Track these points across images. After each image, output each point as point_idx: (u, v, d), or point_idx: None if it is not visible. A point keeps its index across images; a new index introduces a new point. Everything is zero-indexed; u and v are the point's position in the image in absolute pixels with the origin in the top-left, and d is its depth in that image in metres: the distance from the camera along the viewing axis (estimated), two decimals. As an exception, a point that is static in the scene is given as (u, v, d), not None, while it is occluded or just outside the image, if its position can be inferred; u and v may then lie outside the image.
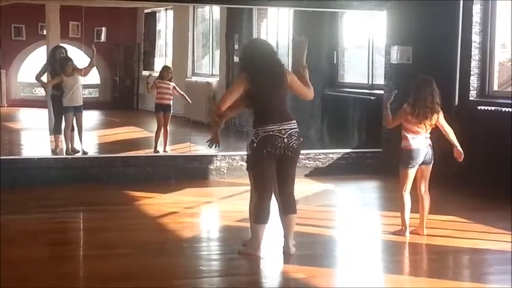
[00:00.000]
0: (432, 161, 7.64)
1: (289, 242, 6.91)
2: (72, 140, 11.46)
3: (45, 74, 11.93)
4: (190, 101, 12.24)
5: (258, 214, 6.79)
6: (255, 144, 6.68)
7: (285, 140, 6.67)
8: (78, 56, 12.18)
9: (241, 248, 7.04)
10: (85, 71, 11.67)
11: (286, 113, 6.78)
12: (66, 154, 11.28)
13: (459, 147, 7.60)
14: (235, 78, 6.84)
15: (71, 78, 11.32)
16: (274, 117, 6.68)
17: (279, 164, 6.76)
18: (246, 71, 6.72)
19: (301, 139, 6.79)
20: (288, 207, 6.88)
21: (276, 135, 6.65)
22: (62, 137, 11.52)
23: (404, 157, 7.59)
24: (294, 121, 6.78)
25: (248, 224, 7.13)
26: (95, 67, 13.14)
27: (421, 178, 7.67)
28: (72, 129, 11.48)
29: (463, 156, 7.59)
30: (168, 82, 12.07)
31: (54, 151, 11.51)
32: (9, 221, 8.31)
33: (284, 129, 6.68)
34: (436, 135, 7.72)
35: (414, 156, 7.53)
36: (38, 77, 11.92)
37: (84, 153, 11.36)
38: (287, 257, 6.85)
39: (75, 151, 11.39)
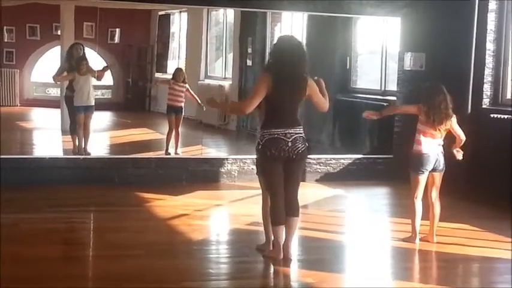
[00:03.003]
0: (444, 169, 7.63)
1: (289, 245, 6.89)
2: (86, 140, 11.49)
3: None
4: (202, 105, 12.21)
5: (274, 215, 6.81)
6: (260, 146, 6.77)
7: (289, 144, 6.72)
8: (93, 57, 12.21)
9: (264, 252, 7.03)
10: (99, 74, 11.70)
11: (295, 118, 6.84)
12: (78, 154, 11.30)
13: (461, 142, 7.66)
14: (259, 78, 6.85)
15: (82, 78, 11.36)
16: (282, 122, 6.74)
17: (285, 167, 6.79)
18: (271, 74, 6.72)
19: (307, 144, 6.85)
20: (290, 209, 6.87)
21: (280, 139, 6.70)
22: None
23: (414, 162, 7.58)
24: (301, 127, 6.84)
25: (258, 228, 7.14)
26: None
27: (432, 185, 7.65)
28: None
29: (460, 154, 7.64)
30: (181, 84, 12.10)
31: (73, 151, 11.50)
32: (19, 219, 8.34)
33: (289, 133, 6.73)
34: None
35: (424, 162, 7.52)
36: (54, 76, 11.94)
37: (87, 154, 11.33)
38: (285, 260, 6.81)
39: (86, 152, 11.41)
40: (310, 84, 6.83)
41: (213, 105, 7.48)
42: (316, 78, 7.04)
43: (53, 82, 12.46)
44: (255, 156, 7.15)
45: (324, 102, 6.97)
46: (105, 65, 11.92)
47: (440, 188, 7.71)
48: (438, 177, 7.64)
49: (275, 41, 7.20)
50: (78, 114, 11.46)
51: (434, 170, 7.58)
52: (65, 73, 11.80)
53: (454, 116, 7.58)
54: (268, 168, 6.80)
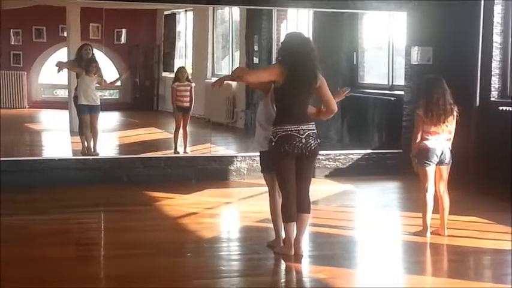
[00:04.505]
0: (450, 162, 7.61)
1: (300, 241, 6.89)
2: (95, 140, 11.50)
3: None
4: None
5: (286, 212, 6.82)
6: (273, 143, 6.73)
7: (303, 140, 6.71)
8: (100, 58, 12.22)
9: (275, 248, 7.04)
10: (106, 85, 11.76)
11: (306, 114, 6.82)
12: (87, 155, 11.31)
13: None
14: (272, 65, 6.90)
15: (88, 78, 11.37)
16: (294, 118, 6.73)
17: (297, 163, 6.79)
18: (285, 67, 6.72)
19: (319, 140, 6.82)
20: (302, 206, 6.87)
21: (294, 135, 6.69)
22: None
23: (421, 155, 7.57)
24: (313, 123, 6.83)
25: (268, 224, 7.14)
26: (115, 68, 13.22)
27: (440, 179, 7.64)
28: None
29: None
30: (186, 83, 12.08)
31: (82, 152, 11.49)
32: (30, 221, 8.37)
33: (302, 129, 6.72)
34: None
35: (430, 154, 7.51)
36: (59, 63, 11.94)
37: (96, 154, 11.33)
38: (296, 256, 6.83)
39: (95, 152, 11.42)
40: (320, 79, 6.82)
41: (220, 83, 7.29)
42: (345, 89, 7.28)
43: (61, 84, 12.47)
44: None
45: (334, 102, 6.94)
46: (118, 76, 11.95)
47: (449, 181, 7.70)
48: (445, 170, 7.63)
49: (282, 39, 7.19)
50: (84, 115, 11.46)
51: (440, 163, 7.57)
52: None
53: (456, 112, 7.51)
54: (281, 165, 6.77)
